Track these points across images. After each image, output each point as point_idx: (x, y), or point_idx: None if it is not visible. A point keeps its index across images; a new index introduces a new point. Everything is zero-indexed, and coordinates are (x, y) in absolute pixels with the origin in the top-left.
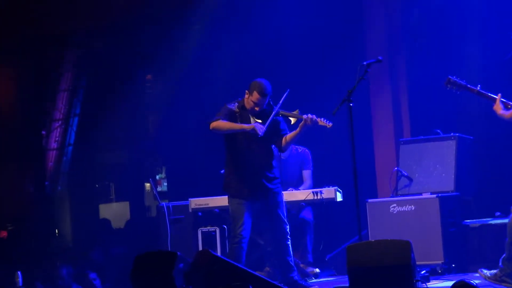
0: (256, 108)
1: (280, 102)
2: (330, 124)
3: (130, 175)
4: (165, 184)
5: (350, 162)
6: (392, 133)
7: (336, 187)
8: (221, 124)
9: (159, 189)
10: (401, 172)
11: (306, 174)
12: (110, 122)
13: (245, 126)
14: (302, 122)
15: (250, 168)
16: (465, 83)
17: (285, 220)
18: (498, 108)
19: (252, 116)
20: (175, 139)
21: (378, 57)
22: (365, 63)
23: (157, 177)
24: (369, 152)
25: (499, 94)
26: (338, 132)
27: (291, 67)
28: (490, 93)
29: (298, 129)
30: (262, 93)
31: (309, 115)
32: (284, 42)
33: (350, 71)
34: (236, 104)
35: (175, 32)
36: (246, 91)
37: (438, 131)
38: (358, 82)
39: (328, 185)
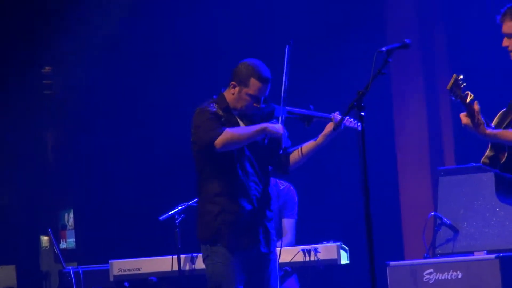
0: (256, 105)
1: (285, 82)
2: (360, 126)
3: (16, 224)
4: (73, 238)
5: (360, 202)
6: (427, 159)
7: (339, 243)
8: (234, 135)
9: (62, 245)
10: (440, 218)
11: (288, 224)
12: None
13: (266, 125)
14: (329, 126)
15: (246, 203)
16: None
17: None
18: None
19: (242, 120)
20: (89, 166)
21: (404, 40)
22: (384, 49)
23: (60, 226)
24: (391, 187)
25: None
26: (341, 155)
27: (277, 55)
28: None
29: (320, 137)
30: (263, 78)
31: (336, 114)
32: (272, 17)
33: (362, 61)
34: (214, 105)
35: None
36: (232, 82)
37: None
38: (374, 78)
39: (327, 239)
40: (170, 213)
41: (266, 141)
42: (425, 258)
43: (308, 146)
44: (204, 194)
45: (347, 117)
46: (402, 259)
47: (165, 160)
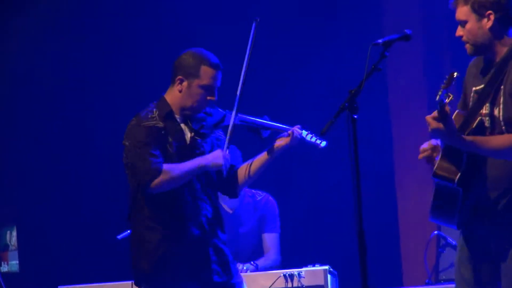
0: (211, 97)
1: (242, 76)
2: (324, 143)
3: None
4: (16, 260)
5: (351, 218)
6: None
7: (327, 267)
8: (172, 177)
9: (4, 268)
10: (445, 238)
11: (270, 239)
12: None
13: (203, 161)
14: (285, 139)
15: (193, 231)
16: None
17: None
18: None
19: (187, 125)
20: (34, 176)
21: (404, 31)
22: (380, 41)
23: (2, 246)
24: (387, 201)
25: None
26: (330, 163)
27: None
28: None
29: (268, 152)
30: (215, 64)
31: (296, 128)
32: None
33: (355, 55)
34: (153, 111)
35: None
36: (178, 77)
37: None
38: (368, 75)
39: (312, 262)
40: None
41: (225, 166)
42: (427, 284)
43: (258, 161)
44: (139, 218)
45: (308, 133)
46: (401, 285)
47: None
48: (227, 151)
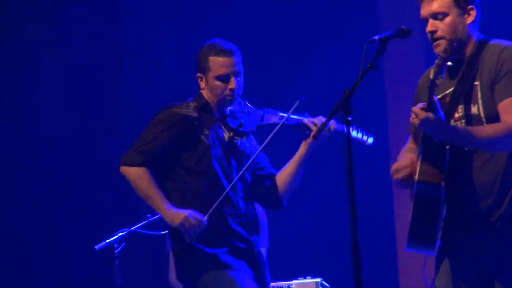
0: (231, 87)
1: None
2: (371, 139)
3: None
4: None
5: (345, 228)
6: None
7: (319, 279)
8: (137, 182)
9: None
10: None
11: None
12: None
13: (165, 211)
14: (314, 133)
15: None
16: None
17: None
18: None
19: (224, 125)
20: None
21: (401, 27)
22: (376, 38)
23: None
24: (384, 209)
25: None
26: (323, 168)
27: (252, 47)
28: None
29: (302, 150)
30: (223, 50)
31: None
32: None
33: (349, 53)
34: (190, 102)
35: None
36: (198, 76)
37: None
38: (364, 74)
39: (304, 274)
40: (107, 241)
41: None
42: None
43: (292, 163)
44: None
45: (332, 122)
46: None
47: (102, 172)
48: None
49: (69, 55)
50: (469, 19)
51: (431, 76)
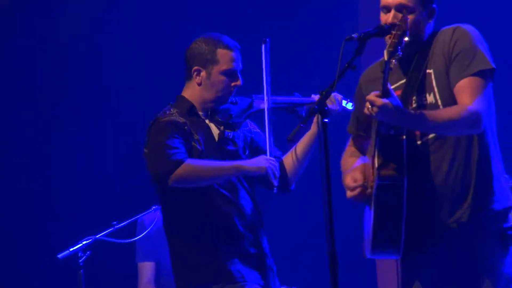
0: (236, 82)
1: (265, 70)
2: (350, 105)
3: None
4: None
5: (323, 235)
6: None
7: None
8: (196, 170)
9: None
10: None
11: None
12: None
13: (242, 163)
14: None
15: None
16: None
17: None
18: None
19: (212, 122)
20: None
21: (381, 24)
22: (355, 35)
23: None
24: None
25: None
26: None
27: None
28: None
29: (314, 126)
30: (232, 45)
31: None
32: None
33: (327, 52)
34: (171, 110)
35: None
36: (194, 68)
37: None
38: (341, 75)
39: (282, 285)
40: (71, 249)
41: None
42: None
43: (303, 142)
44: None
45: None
46: None
47: (65, 177)
48: (268, 153)
49: (56, 52)
50: (430, 19)
51: (386, 58)
